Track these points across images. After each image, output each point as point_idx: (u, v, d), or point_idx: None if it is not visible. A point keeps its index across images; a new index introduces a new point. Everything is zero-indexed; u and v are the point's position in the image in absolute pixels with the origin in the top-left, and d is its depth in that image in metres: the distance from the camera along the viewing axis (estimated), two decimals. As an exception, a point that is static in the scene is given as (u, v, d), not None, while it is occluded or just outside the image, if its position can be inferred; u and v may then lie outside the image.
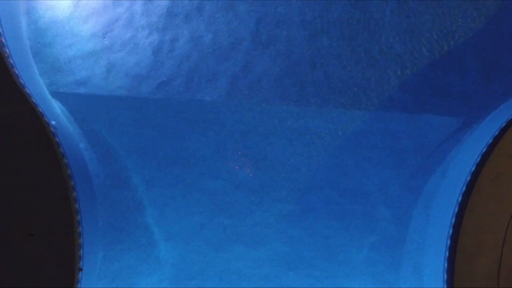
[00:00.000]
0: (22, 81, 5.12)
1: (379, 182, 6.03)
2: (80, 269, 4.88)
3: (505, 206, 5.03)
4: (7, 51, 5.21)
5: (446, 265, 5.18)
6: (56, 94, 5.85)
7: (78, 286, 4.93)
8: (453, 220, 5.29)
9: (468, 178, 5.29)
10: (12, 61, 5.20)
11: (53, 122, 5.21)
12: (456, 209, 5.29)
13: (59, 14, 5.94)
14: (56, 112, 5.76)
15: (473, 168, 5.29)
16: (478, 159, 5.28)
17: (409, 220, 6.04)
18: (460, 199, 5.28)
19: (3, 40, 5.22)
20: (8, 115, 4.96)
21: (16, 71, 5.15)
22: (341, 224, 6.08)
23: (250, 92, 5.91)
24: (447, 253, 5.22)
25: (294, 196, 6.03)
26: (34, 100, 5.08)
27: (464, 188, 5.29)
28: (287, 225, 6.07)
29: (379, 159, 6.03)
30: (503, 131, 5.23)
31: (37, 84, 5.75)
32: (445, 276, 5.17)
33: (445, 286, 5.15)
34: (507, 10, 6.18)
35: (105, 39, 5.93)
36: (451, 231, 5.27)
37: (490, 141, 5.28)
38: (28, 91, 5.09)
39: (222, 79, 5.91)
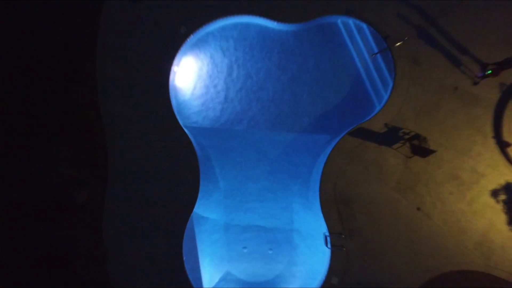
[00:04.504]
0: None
1: (295, 157, 16.99)
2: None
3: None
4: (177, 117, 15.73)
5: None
6: (186, 127, 16.38)
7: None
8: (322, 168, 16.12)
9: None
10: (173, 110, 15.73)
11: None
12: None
13: (185, 98, 16.43)
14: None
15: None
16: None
17: (312, 170, 16.99)
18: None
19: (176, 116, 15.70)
20: (176, 143, 15.45)
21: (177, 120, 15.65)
22: (286, 168, 17.11)
23: (256, 126, 16.66)
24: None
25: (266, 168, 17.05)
26: (188, 134, 15.54)
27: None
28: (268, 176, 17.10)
29: (296, 148, 16.95)
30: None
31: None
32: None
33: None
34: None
35: (203, 117, 16.57)
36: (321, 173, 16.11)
37: (334, 143, 15.98)
38: (184, 130, 15.57)
39: (244, 121, 16.66)
